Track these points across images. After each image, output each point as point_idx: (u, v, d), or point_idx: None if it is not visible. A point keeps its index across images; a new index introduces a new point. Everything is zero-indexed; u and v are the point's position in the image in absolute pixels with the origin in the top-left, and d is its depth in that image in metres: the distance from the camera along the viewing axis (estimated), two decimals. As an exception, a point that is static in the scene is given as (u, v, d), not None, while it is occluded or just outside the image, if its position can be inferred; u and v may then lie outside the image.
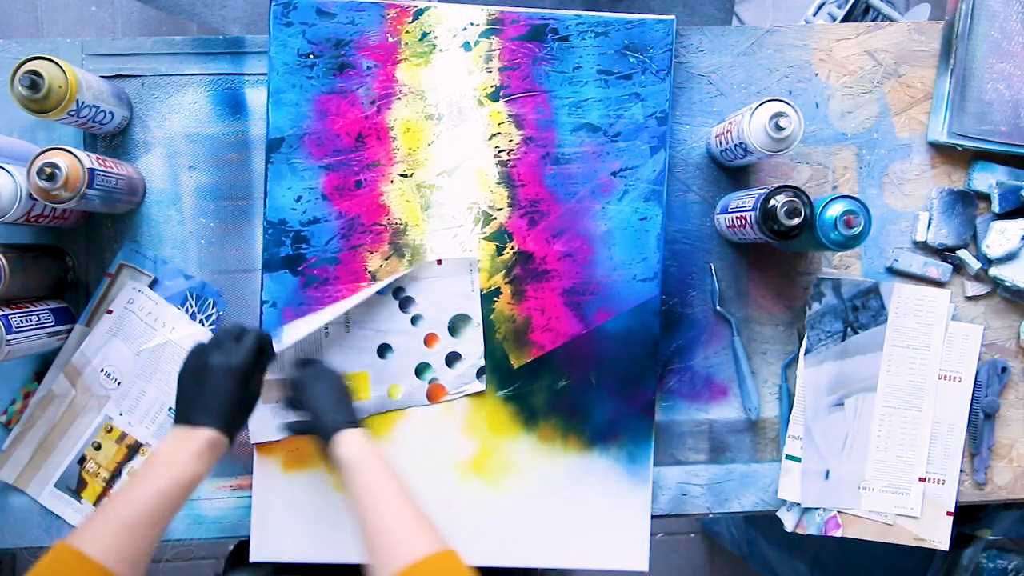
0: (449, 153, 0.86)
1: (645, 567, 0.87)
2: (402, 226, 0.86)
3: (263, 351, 0.75)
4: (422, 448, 0.86)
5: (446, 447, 0.86)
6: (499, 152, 0.86)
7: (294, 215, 0.85)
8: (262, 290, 0.85)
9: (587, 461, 0.87)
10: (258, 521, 0.85)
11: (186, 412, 0.71)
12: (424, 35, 0.86)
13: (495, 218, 0.86)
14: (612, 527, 0.87)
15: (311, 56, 0.85)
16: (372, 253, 0.86)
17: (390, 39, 0.86)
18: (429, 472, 0.86)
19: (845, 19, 1.50)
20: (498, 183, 0.86)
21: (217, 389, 0.71)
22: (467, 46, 0.86)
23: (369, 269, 0.86)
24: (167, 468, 0.66)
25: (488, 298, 0.86)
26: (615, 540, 0.87)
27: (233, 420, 0.72)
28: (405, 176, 0.86)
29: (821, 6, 1.53)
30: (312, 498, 0.86)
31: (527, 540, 0.86)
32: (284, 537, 0.85)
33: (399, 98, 0.86)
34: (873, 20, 1.50)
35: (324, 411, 0.75)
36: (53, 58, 0.75)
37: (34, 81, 0.74)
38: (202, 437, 0.69)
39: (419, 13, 0.86)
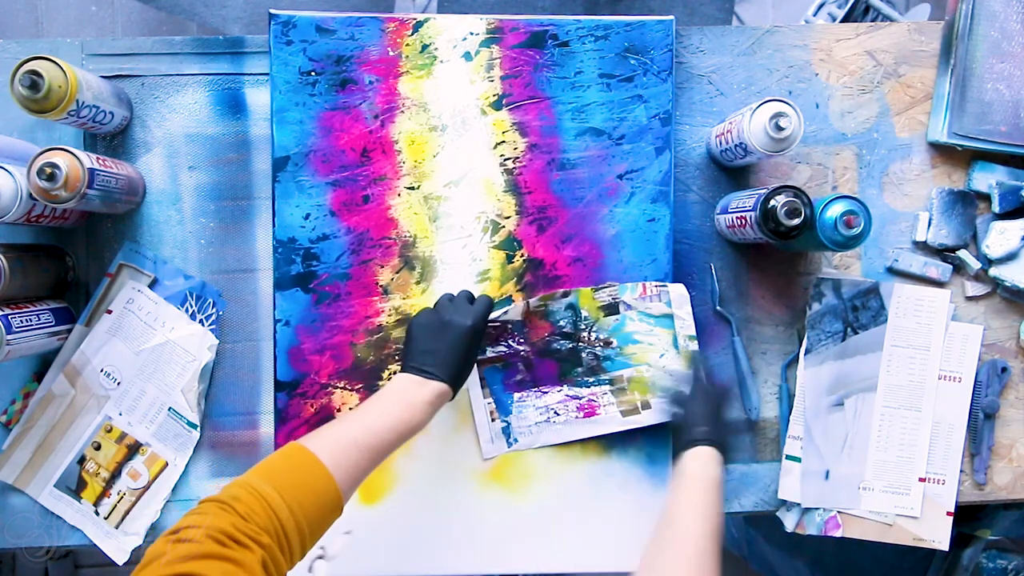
0: (455, 164, 0.86)
1: None
2: (411, 239, 0.86)
3: (486, 317, 0.80)
4: (442, 458, 0.86)
5: (465, 456, 0.86)
6: (504, 160, 0.86)
7: (303, 232, 0.85)
8: (275, 308, 0.85)
9: (606, 465, 0.87)
10: None
11: (420, 362, 0.75)
12: (424, 47, 0.86)
13: (503, 226, 0.86)
14: (634, 529, 0.86)
15: (312, 73, 0.85)
16: (383, 267, 0.86)
17: (391, 53, 0.86)
18: (450, 482, 0.86)
19: (845, 19, 1.50)
20: (505, 191, 0.86)
21: (453, 345, 0.75)
22: (468, 56, 0.86)
23: (380, 283, 0.86)
24: (403, 410, 0.70)
25: (501, 306, 0.86)
26: (637, 542, 0.86)
27: (460, 376, 0.76)
28: (412, 189, 0.86)
29: (821, 6, 1.53)
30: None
31: (549, 546, 0.86)
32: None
33: (402, 111, 0.86)
34: (873, 20, 1.50)
35: (699, 422, 0.77)
36: (53, 58, 0.75)
37: (34, 81, 0.74)
38: (435, 388, 0.73)
39: (418, 25, 0.86)
